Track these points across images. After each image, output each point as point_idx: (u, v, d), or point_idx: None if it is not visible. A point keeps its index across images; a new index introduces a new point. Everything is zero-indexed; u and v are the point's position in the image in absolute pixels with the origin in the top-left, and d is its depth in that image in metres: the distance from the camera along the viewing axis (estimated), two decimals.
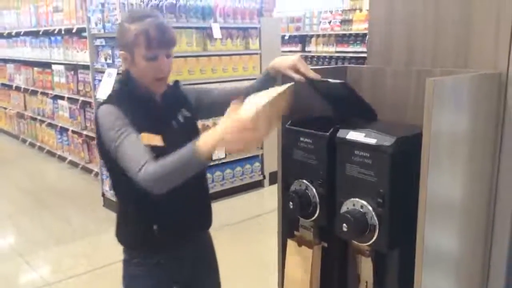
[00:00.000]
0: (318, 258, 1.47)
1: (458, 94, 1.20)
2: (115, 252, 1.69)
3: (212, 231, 1.77)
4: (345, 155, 1.27)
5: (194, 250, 1.70)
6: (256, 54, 4.74)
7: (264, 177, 5.03)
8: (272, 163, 4.72)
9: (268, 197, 4.88)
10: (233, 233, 3.90)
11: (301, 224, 1.50)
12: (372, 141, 1.20)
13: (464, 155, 1.26)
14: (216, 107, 1.68)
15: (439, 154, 1.15)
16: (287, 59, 1.53)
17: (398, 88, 1.51)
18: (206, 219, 1.74)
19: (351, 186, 1.27)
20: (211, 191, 1.83)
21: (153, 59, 1.48)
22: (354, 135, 1.25)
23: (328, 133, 1.33)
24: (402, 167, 1.19)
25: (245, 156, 4.79)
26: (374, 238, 1.23)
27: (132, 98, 1.54)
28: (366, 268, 1.34)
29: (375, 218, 1.22)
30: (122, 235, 1.66)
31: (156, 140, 1.50)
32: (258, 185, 5.01)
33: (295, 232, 1.53)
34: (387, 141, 1.18)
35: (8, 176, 5.90)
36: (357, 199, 1.25)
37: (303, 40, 8.71)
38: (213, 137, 1.30)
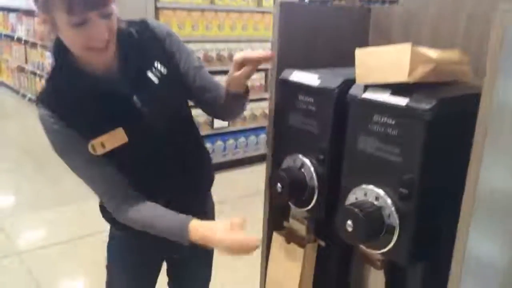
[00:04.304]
0: (312, 260, 1.09)
1: None
2: (101, 221, 1.38)
3: None
4: (359, 122, 0.88)
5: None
6: (269, 13, 4.27)
7: None
8: None
9: None
10: (233, 209, 3.55)
11: (292, 214, 1.11)
12: (402, 101, 0.80)
13: None
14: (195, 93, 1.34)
15: (502, 129, 0.75)
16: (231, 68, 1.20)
17: (439, 37, 1.09)
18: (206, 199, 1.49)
19: (364, 168, 0.88)
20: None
21: (81, 24, 1.02)
22: (375, 93, 0.85)
23: (336, 89, 0.93)
24: (443, 143, 0.80)
25: (250, 127, 4.40)
26: (391, 244, 0.85)
27: (73, 83, 1.14)
28: (375, 283, 0.96)
29: (395, 215, 0.83)
30: (106, 214, 1.32)
31: (118, 138, 1.15)
32: (262, 159, 4.61)
33: (284, 223, 1.15)
34: (425, 103, 0.77)
35: (3, 132, 5.60)
36: (371, 186, 0.87)
37: None
38: (209, 240, 1.11)
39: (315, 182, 0.99)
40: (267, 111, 4.55)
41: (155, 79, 1.21)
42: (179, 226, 1.14)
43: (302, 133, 1.01)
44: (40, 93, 1.17)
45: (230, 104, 1.28)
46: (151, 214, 1.18)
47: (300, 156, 1.02)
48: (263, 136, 4.55)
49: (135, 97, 1.18)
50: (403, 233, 0.83)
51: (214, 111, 1.39)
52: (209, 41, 3.96)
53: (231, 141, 4.30)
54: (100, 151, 1.12)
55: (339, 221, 0.86)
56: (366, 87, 0.86)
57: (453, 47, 1.05)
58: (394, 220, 0.83)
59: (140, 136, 1.17)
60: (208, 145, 4.04)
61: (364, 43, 1.25)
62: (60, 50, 1.13)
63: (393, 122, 0.81)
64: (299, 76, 1.02)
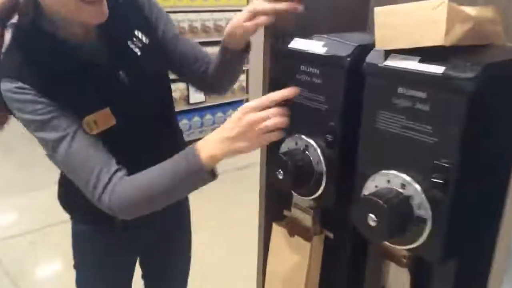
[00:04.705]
0: (319, 254, 0.96)
1: None
2: None
3: None
4: (380, 96, 0.73)
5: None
6: None
7: None
8: None
9: None
10: (212, 187, 3.41)
11: (295, 203, 0.97)
12: (436, 69, 0.65)
13: None
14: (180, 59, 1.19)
15: None
16: (239, 14, 1.02)
17: None
18: None
19: (386, 150, 0.74)
20: (188, 139, 1.35)
21: None
22: (400, 60, 0.70)
23: (349, 57, 0.78)
24: (487, 120, 0.66)
25: (228, 101, 4.22)
26: (422, 239, 0.72)
27: (49, 52, 0.96)
28: (399, 282, 0.83)
29: (427, 205, 0.70)
30: (67, 202, 1.24)
31: (108, 118, 1.00)
32: None
33: (285, 212, 1.01)
34: (467, 70, 0.63)
35: None
36: (394, 172, 0.73)
37: None
38: (221, 131, 0.89)
39: (323, 167, 0.85)
40: (244, 84, 4.38)
41: (137, 50, 1.07)
42: (184, 153, 0.93)
43: (305, 111, 0.87)
44: (3, 66, 0.97)
45: (224, 68, 1.14)
46: (144, 173, 0.95)
47: (303, 137, 0.88)
48: None
49: (121, 72, 1.03)
50: (436, 226, 0.70)
51: (201, 82, 1.24)
52: (181, 11, 3.73)
53: (208, 116, 4.13)
54: (95, 130, 0.97)
55: (358, 214, 0.73)
56: (388, 53, 0.72)
57: (475, 4, 0.91)
58: (426, 211, 0.70)
59: (128, 116, 1.02)
60: (184, 121, 3.87)
61: (366, 5, 1.10)
62: (29, 14, 0.95)
63: (425, 95, 0.67)
64: (300, 44, 0.87)
